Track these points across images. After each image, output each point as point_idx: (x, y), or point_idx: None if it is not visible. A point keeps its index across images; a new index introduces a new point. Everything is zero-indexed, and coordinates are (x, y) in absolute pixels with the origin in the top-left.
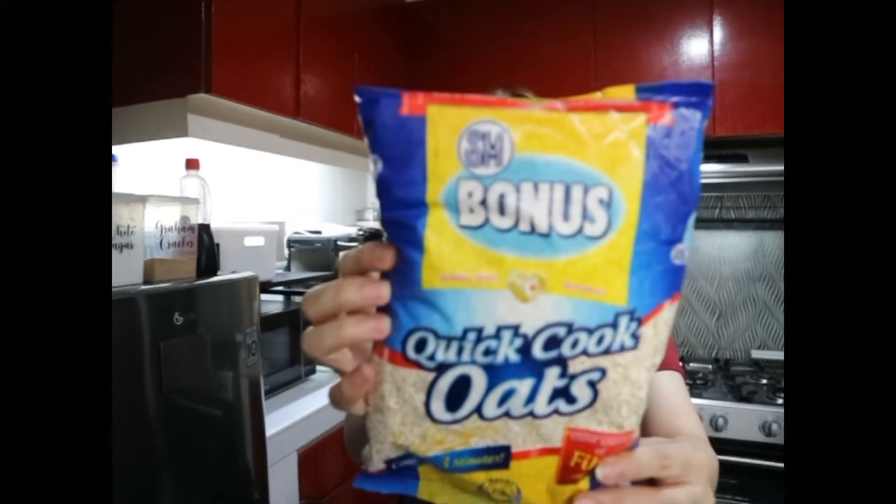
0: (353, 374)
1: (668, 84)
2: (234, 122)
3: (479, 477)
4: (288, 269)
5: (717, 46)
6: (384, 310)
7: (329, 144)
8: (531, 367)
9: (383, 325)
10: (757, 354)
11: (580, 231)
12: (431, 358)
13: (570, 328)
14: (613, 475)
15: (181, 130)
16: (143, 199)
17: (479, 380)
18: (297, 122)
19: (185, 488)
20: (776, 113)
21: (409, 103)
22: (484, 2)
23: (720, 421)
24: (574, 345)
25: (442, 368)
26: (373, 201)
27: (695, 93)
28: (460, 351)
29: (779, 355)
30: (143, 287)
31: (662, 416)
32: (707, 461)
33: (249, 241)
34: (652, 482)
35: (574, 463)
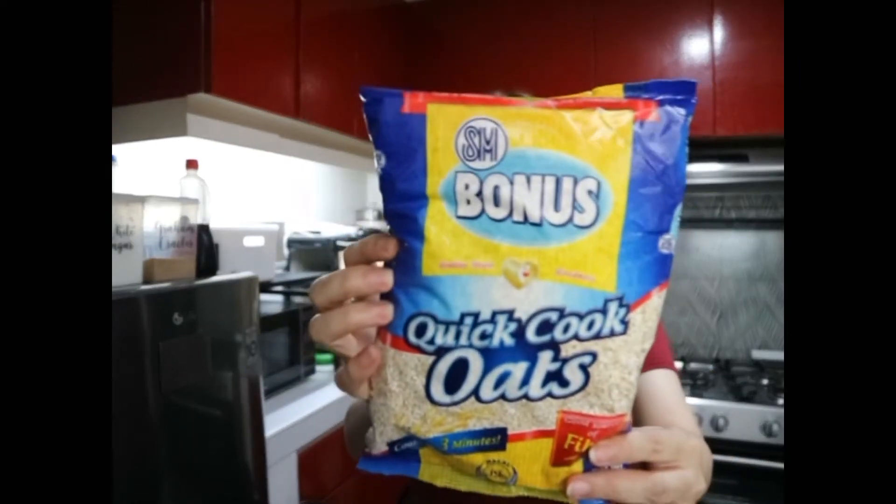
0: (360, 356)
1: (654, 83)
2: (233, 121)
3: (478, 458)
4: (287, 269)
5: (717, 46)
6: (387, 297)
7: (329, 144)
8: (525, 351)
9: (387, 311)
10: (757, 355)
11: (570, 220)
12: (431, 342)
13: (562, 313)
14: (606, 458)
15: (181, 130)
16: (142, 200)
17: (475, 363)
18: (296, 121)
19: (184, 488)
20: (776, 113)
21: (411, 102)
22: (484, 2)
23: (721, 421)
24: (566, 329)
25: (441, 352)
26: (372, 201)
27: (680, 91)
28: (458, 335)
29: (779, 355)
30: (143, 287)
31: (657, 413)
32: (699, 447)
33: (249, 241)
34: (644, 466)
35: (568, 445)
